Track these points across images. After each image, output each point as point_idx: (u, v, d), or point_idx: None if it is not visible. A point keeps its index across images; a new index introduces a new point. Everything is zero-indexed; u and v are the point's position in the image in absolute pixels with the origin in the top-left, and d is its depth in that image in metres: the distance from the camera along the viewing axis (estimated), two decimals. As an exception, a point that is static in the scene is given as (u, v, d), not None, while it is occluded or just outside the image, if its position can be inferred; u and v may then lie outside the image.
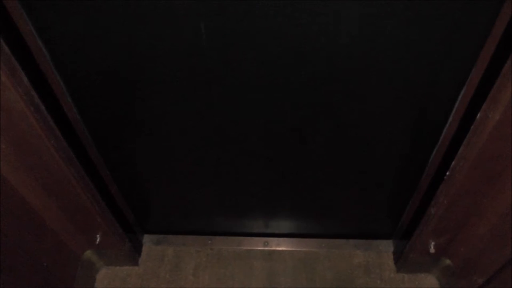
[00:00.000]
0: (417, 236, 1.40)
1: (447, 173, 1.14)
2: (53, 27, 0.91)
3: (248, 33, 0.93)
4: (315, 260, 1.68)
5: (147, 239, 1.73)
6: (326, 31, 0.91)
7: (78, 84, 1.06)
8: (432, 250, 1.39)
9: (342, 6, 0.86)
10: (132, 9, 0.88)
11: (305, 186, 1.45)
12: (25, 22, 0.88)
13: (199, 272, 1.64)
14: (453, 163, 1.10)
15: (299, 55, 0.97)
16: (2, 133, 0.98)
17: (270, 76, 1.03)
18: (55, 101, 1.04)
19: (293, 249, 1.70)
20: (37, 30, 0.91)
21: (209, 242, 1.72)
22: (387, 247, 1.69)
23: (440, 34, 0.91)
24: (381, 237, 1.70)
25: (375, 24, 0.90)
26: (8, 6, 0.84)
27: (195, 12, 0.88)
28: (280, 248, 1.71)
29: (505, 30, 0.85)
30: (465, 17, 0.87)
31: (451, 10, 0.86)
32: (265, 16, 0.88)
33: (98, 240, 1.42)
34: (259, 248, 1.71)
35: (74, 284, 1.45)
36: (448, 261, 1.49)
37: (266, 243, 1.71)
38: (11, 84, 0.87)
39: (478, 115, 0.97)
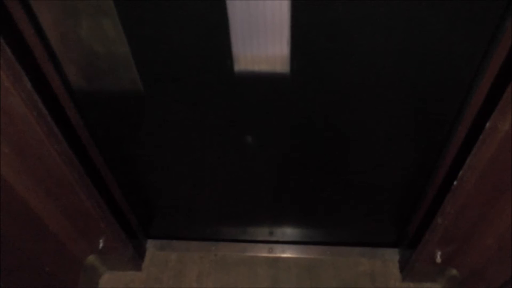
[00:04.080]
0: (423, 245, 1.38)
1: (455, 183, 1.12)
2: (56, 31, 0.91)
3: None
4: (320, 267, 1.66)
5: (150, 244, 1.72)
6: (327, 32, 0.91)
7: (81, 89, 1.06)
8: (438, 259, 1.37)
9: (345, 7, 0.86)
10: (136, 12, 0.87)
11: (311, 193, 1.44)
12: (27, 26, 0.88)
13: (203, 278, 1.63)
14: (460, 172, 1.09)
15: (299, 55, 0.96)
16: (5, 137, 0.97)
17: (271, 78, 1.02)
18: (58, 105, 1.04)
19: (298, 256, 1.69)
20: (39, 34, 0.91)
21: (213, 248, 1.71)
22: (392, 255, 1.67)
23: (449, 43, 0.90)
24: (387, 246, 1.68)
25: (382, 30, 0.89)
26: (11, 10, 0.83)
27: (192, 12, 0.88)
28: (285, 255, 1.69)
29: (515, 39, 0.84)
30: (475, 26, 0.86)
31: (460, 19, 0.85)
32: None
33: (101, 245, 1.42)
34: (263, 255, 1.69)
35: (76, 289, 1.44)
36: (454, 271, 1.47)
37: (270, 250, 1.70)
38: (14, 89, 0.87)
39: (487, 125, 0.96)
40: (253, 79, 1.03)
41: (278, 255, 1.69)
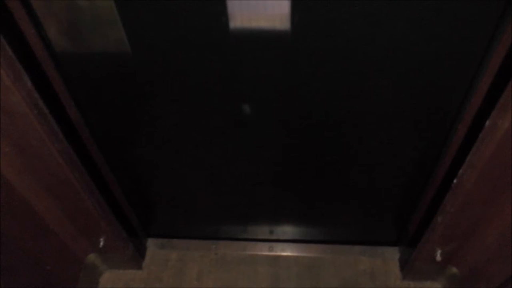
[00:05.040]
0: (423, 243, 1.38)
1: (454, 181, 1.12)
2: (56, 30, 0.91)
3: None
4: (320, 266, 1.66)
5: (151, 243, 1.72)
6: (327, 32, 0.91)
7: (82, 87, 1.06)
8: (438, 258, 1.37)
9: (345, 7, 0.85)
10: (135, 10, 0.87)
11: (311, 192, 1.44)
12: (28, 25, 0.88)
13: (203, 277, 1.64)
14: (460, 171, 1.09)
15: (299, 55, 0.96)
16: (5, 136, 0.97)
17: (273, 76, 1.02)
18: (58, 104, 1.04)
19: (298, 254, 1.69)
20: (40, 33, 0.91)
21: (214, 246, 1.71)
22: (393, 254, 1.67)
23: (448, 41, 0.90)
24: (387, 244, 1.68)
25: (381, 29, 0.89)
26: (12, 9, 0.84)
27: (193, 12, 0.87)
28: (285, 254, 1.69)
29: (515, 38, 0.84)
30: (475, 26, 0.86)
31: (459, 19, 0.85)
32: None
33: (101, 243, 1.42)
34: (263, 253, 1.70)
35: (77, 287, 1.44)
36: (454, 270, 1.47)
37: (271, 248, 1.70)
38: (14, 88, 0.87)
39: (487, 123, 0.96)
40: (250, 38, 0.94)
41: (278, 253, 1.69)
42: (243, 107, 1.12)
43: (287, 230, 1.68)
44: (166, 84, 1.05)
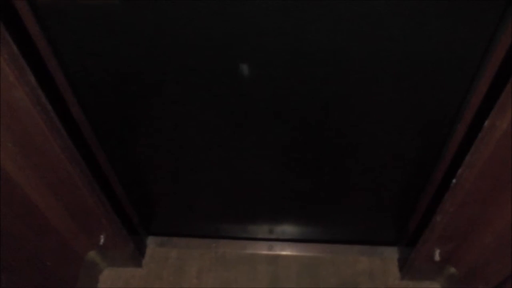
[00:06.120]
0: (422, 243, 1.38)
1: (453, 181, 1.13)
2: (60, 27, 0.91)
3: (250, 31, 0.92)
4: (319, 265, 1.67)
5: (151, 240, 1.73)
6: (327, 33, 0.91)
7: (85, 84, 1.06)
8: (437, 258, 1.38)
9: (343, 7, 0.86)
10: (138, 8, 0.88)
11: (311, 191, 1.45)
12: (33, 22, 0.88)
13: (203, 275, 1.64)
14: (459, 170, 1.10)
15: (299, 54, 0.96)
16: (8, 132, 0.98)
17: (274, 74, 1.02)
18: (61, 101, 1.04)
19: (298, 254, 1.70)
20: (45, 30, 0.91)
21: (214, 245, 1.71)
22: (392, 253, 1.67)
23: (448, 41, 0.90)
24: (386, 244, 1.69)
25: (381, 29, 0.90)
26: (17, 7, 0.84)
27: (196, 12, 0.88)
28: (285, 253, 1.70)
29: (514, 38, 0.85)
30: (475, 26, 0.87)
31: (460, 19, 0.86)
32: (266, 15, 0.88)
33: (102, 240, 1.42)
34: (263, 252, 1.70)
35: (76, 284, 1.44)
36: (453, 269, 1.47)
37: (270, 247, 1.71)
38: (18, 83, 0.87)
39: (486, 123, 0.96)
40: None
41: (278, 252, 1.70)
42: (241, 68, 1.02)
43: (287, 229, 1.68)
44: (170, 84, 1.06)
